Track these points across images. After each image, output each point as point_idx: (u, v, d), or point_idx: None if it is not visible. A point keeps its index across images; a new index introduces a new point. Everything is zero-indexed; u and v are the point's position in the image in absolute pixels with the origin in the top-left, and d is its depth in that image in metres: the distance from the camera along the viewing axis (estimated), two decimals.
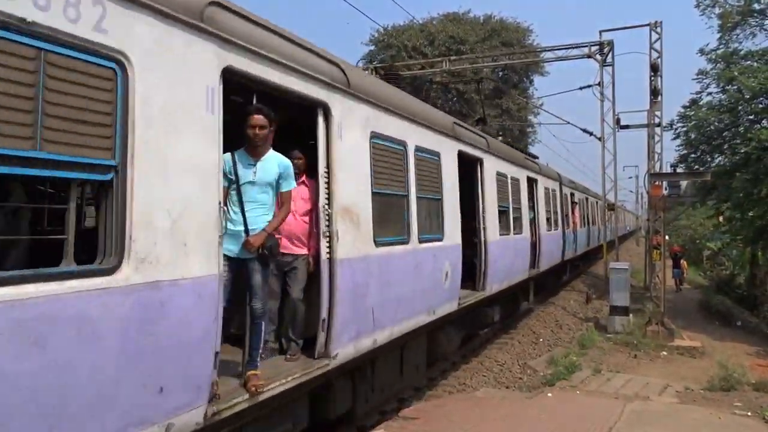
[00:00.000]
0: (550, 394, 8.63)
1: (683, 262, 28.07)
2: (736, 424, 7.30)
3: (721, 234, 26.22)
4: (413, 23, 37.16)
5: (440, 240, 8.43)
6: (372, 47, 40.38)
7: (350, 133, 5.99)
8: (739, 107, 18.70)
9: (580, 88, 22.05)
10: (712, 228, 30.90)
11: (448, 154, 8.94)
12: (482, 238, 10.36)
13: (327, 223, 5.57)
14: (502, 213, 11.72)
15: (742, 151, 17.88)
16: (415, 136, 7.70)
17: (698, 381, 10.37)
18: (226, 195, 4.68)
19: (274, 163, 4.88)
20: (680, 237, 45.56)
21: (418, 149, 7.76)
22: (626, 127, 18.73)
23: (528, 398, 8.49)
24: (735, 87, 18.70)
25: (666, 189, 16.53)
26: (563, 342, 13.77)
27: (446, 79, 29.98)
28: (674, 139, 21.45)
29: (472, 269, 10.22)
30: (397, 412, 7.67)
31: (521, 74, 41.23)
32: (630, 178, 79.43)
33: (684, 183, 22.48)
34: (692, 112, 20.51)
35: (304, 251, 5.82)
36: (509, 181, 12.55)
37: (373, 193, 6.41)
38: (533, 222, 14.87)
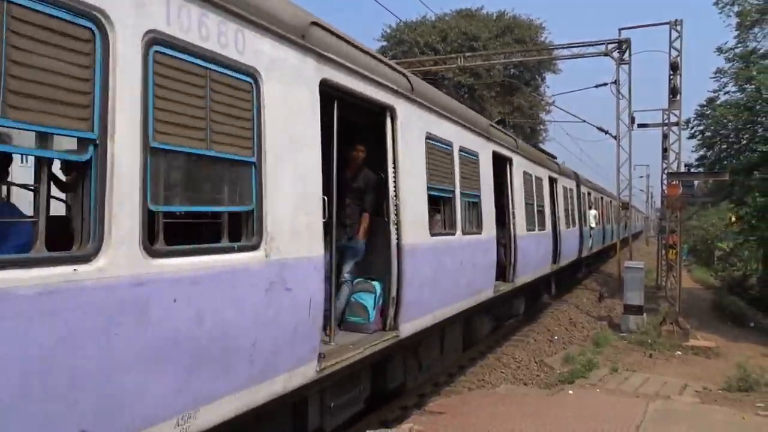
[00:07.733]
0: (571, 392, 8.63)
1: None
2: (763, 425, 7.28)
3: (734, 234, 25.93)
4: (426, 19, 37.00)
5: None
6: (384, 43, 40.27)
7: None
8: (757, 106, 18.51)
9: (596, 86, 22.03)
10: (724, 228, 30.67)
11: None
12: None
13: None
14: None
15: (760, 150, 17.65)
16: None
17: (714, 381, 10.31)
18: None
19: None
20: (691, 237, 45.28)
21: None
22: (645, 125, 18.63)
23: (549, 395, 8.49)
24: (753, 86, 18.55)
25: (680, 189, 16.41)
26: (577, 340, 13.74)
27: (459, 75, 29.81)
28: (690, 138, 21.32)
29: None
30: (419, 407, 7.70)
31: (533, 71, 41.03)
32: (641, 177, 78.24)
33: (696, 183, 22.32)
34: (709, 111, 20.37)
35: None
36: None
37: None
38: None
